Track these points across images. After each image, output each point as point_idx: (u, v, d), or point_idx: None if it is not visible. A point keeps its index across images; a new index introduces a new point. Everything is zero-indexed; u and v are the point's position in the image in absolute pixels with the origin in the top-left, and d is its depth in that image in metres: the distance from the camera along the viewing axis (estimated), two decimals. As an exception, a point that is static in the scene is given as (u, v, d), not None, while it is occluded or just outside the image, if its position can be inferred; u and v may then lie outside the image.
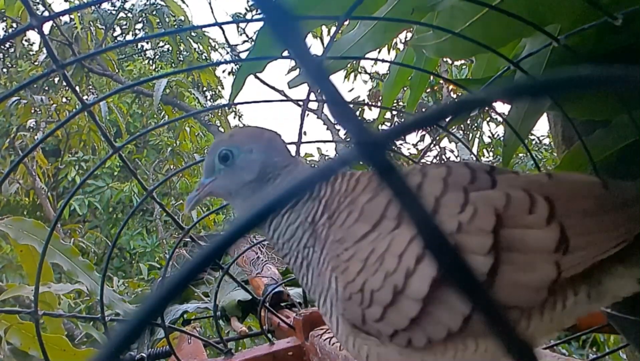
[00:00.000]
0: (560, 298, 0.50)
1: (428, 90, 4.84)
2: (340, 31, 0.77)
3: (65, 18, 5.05)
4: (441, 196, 0.50)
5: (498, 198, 0.49)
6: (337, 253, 0.52)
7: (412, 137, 5.23)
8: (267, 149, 0.60)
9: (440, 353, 0.50)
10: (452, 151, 5.31)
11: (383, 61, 1.14)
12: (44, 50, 4.62)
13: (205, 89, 6.69)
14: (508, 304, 0.48)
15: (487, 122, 5.22)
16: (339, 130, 4.64)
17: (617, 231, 0.48)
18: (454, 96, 4.40)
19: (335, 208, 0.55)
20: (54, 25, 4.18)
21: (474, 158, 2.67)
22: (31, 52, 6.12)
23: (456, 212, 0.49)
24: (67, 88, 4.78)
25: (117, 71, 5.09)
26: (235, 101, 0.86)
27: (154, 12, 5.51)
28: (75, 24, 4.45)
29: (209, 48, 6.26)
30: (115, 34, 6.37)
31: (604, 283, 0.51)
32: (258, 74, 0.85)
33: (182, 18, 5.43)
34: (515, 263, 0.47)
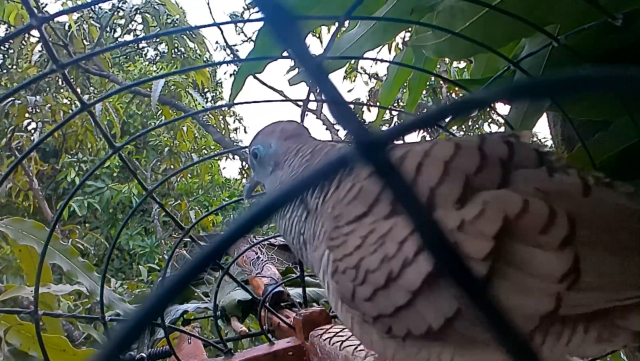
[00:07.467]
0: (566, 330, 0.43)
1: (428, 90, 4.84)
2: (340, 31, 0.77)
3: (59, 18, 5.04)
4: (437, 186, 0.46)
5: (513, 202, 0.43)
6: (335, 225, 0.52)
7: (412, 138, 5.22)
8: (279, 140, 0.66)
9: (417, 349, 0.48)
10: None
11: (382, 60, 1.14)
12: (38, 49, 4.61)
13: (206, 90, 6.68)
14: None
15: (488, 123, 5.22)
16: (338, 130, 4.64)
17: None
18: (454, 97, 4.40)
19: (341, 180, 0.55)
20: (47, 25, 4.16)
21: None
22: (25, 53, 6.11)
23: (455, 208, 0.44)
24: (65, 88, 4.78)
25: (110, 69, 5.06)
26: (235, 101, 0.86)
27: (151, 11, 5.49)
28: (69, 23, 4.43)
29: (204, 49, 6.25)
30: (115, 35, 6.37)
31: (618, 322, 0.43)
32: (257, 75, 0.85)
33: (178, 17, 5.42)
34: (510, 281, 0.41)
